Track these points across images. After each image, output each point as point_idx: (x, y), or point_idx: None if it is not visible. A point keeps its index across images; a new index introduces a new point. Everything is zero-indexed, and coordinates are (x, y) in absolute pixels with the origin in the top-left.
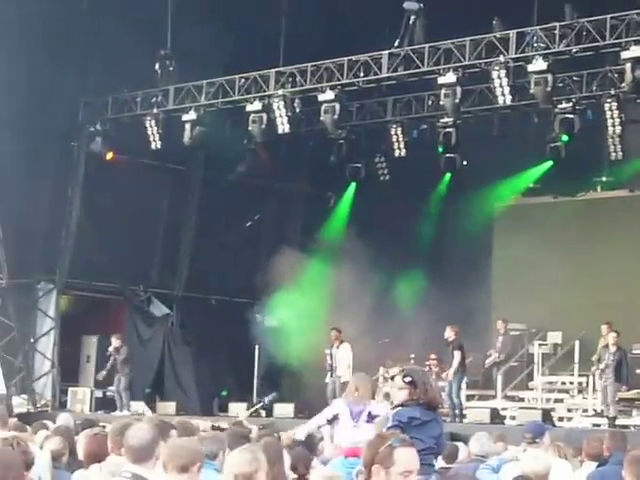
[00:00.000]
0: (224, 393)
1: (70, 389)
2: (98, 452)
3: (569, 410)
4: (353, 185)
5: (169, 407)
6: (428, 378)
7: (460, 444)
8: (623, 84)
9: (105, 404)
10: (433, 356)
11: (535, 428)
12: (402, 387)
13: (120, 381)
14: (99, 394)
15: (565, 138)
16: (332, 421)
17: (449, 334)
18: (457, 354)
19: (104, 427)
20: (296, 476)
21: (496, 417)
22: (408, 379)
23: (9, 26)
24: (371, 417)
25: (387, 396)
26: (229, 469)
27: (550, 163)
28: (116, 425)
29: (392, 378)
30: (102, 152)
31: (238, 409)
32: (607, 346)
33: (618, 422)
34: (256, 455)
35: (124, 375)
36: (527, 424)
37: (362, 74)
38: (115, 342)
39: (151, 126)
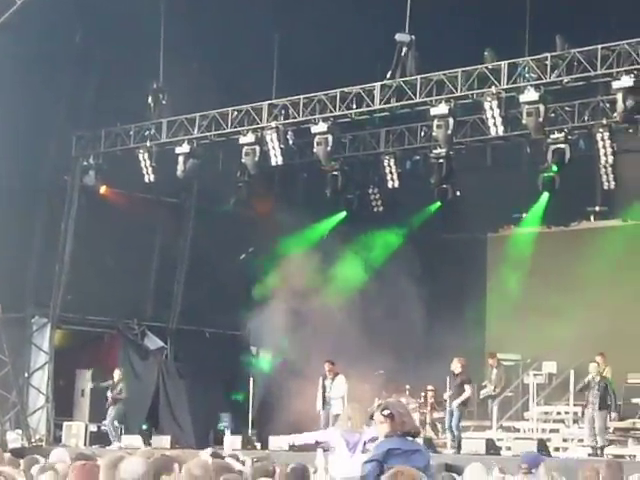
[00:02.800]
0: (221, 427)
1: (65, 423)
2: None
3: (565, 440)
4: (343, 213)
5: (164, 440)
6: (405, 409)
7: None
8: (615, 114)
9: (100, 438)
10: (430, 387)
11: (531, 459)
12: (382, 421)
13: (111, 414)
14: (94, 428)
15: (555, 168)
16: (324, 447)
17: (456, 366)
18: (468, 387)
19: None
20: None
21: (492, 448)
22: (386, 412)
23: (2, 58)
24: (365, 445)
25: None
26: None
27: (547, 195)
28: (109, 459)
29: (371, 416)
30: (95, 186)
31: (233, 442)
32: (597, 375)
33: (615, 452)
34: None
35: (115, 409)
36: (523, 455)
37: (354, 106)
38: (116, 376)
39: (144, 159)
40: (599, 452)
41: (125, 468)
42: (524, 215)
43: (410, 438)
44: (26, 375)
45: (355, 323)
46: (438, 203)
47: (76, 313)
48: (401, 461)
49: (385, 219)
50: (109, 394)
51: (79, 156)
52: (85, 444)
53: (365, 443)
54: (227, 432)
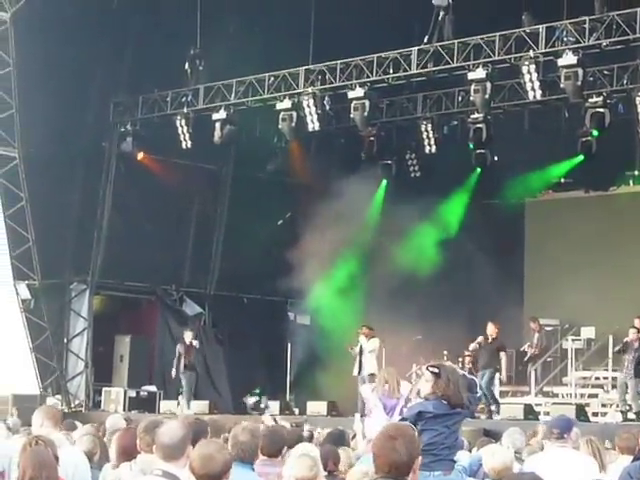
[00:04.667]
0: (257, 391)
1: (104, 389)
2: (131, 447)
3: (603, 405)
4: (384, 183)
5: (202, 406)
6: (454, 375)
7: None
8: None
9: (139, 404)
10: (468, 352)
11: (562, 423)
12: (428, 379)
13: (196, 379)
14: (132, 394)
15: (596, 132)
16: (360, 411)
17: (492, 331)
18: (503, 355)
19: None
20: (325, 473)
21: (530, 413)
22: (434, 370)
23: (40, 25)
24: (403, 410)
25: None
26: (290, 472)
27: (581, 157)
28: (147, 423)
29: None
30: (133, 152)
31: (272, 407)
32: (636, 341)
33: None
34: (316, 461)
35: (191, 375)
36: (554, 419)
37: (391, 71)
38: (187, 337)
39: (181, 125)
40: (637, 417)
41: (164, 432)
42: (563, 180)
43: (445, 402)
44: (65, 341)
45: (394, 288)
46: (479, 170)
47: (114, 279)
48: (430, 424)
49: (424, 185)
50: (181, 360)
51: (116, 122)
52: (124, 409)
53: (402, 407)
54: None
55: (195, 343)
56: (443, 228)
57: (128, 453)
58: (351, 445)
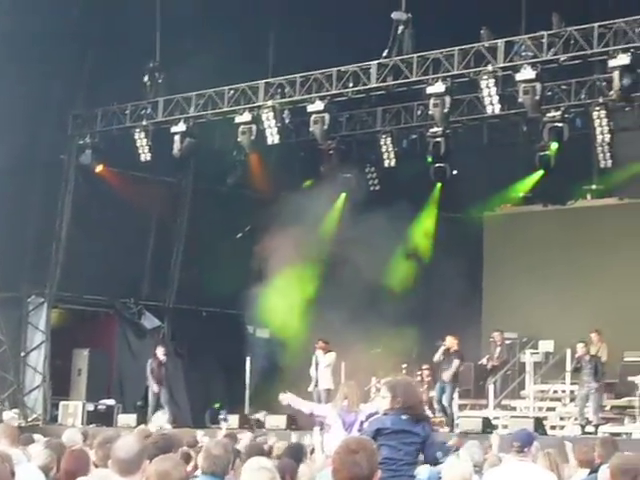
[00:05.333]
0: (217, 405)
1: (61, 403)
2: (75, 470)
3: (561, 418)
4: (343, 195)
5: (160, 419)
6: (411, 388)
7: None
8: (611, 92)
9: (97, 417)
10: (425, 366)
11: (523, 437)
12: (385, 395)
13: (163, 393)
14: (90, 407)
15: (554, 146)
16: (321, 426)
17: (452, 343)
18: (456, 361)
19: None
20: None
21: (488, 426)
22: (389, 387)
23: None
24: (362, 425)
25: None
26: None
27: (539, 171)
28: (103, 437)
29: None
30: (92, 165)
31: (230, 420)
32: (586, 355)
33: (610, 430)
34: (275, 475)
35: (165, 387)
36: (515, 433)
37: (351, 84)
38: (160, 353)
39: (140, 138)
40: (595, 430)
41: (120, 446)
42: (521, 194)
43: (405, 417)
44: (22, 354)
45: (353, 301)
46: (439, 184)
47: (73, 292)
48: (388, 440)
49: (383, 199)
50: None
51: (75, 135)
52: (82, 423)
53: (362, 422)
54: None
55: (162, 359)
56: (403, 241)
57: (73, 475)
58: (310, 459)
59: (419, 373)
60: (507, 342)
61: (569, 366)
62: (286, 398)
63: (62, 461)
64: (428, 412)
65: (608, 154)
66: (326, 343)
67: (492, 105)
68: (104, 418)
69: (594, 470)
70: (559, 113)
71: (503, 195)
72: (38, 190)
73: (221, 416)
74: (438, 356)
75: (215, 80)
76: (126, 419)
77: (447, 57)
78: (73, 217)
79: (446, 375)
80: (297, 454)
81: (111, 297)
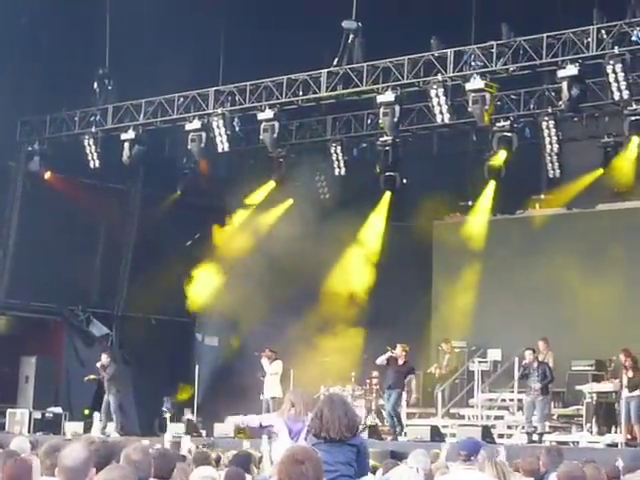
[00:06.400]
0: (166, 415)
1: (8, 410)
2: (17, 478)
3: (509, 427)
4: (291, 202)
5: (108, 427)
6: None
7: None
8: (560, 102)
9: (44, 425)
10: (375, 374)
11: (470, 445)
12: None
13: (110, 402)
14: (38, 415)
15: (503, 156)
16: (267, 433)
17: (400, 354)
18: (413, 379)
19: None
20: None
21: (436, 434)
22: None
23: None
24: (308, 434)
25: None
26: None
27: (489, 180)
28: (49, 445)
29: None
30: (40, 172)
31: (177, 429)
32: (534, 361)
33: (558, 439)
34: None
35: (113, 394)
36: (462, 441)
37: (301, 93)
38: (104, 359)
39: (89, 145)
40: (539, 439)
41: (66, 454)
42: (470, 203)
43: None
44: None
45: (303, 309)
46: (389, 193)
47: (20, 299)
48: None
49: (333, 207)
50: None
51: (24, 142)
52: (29, 431)
53: (308, 431)
54: (167, 417)
55: (105, 362)
56: (352, 249)
57: None
58: (259, 467)
59: (368, 381)
60: (456, 350)
61: (517, 375)
62: (232, 421)
63: (3, 469)
64: (376, 420)
65: (557, 164)
66: (273, 352)
67: (442, 114)
68: (51, 426)
69: (538, 479)
70: (508, 123)
71: (452, 204)
72: None
73: (164, 408)
74: (381, 360)
75: (165, 87)
76: (73, 427)
77: (397, 66)
78: (21, 224)
79: (395, 392)
80: (245, 463)
81: (59, 305)
